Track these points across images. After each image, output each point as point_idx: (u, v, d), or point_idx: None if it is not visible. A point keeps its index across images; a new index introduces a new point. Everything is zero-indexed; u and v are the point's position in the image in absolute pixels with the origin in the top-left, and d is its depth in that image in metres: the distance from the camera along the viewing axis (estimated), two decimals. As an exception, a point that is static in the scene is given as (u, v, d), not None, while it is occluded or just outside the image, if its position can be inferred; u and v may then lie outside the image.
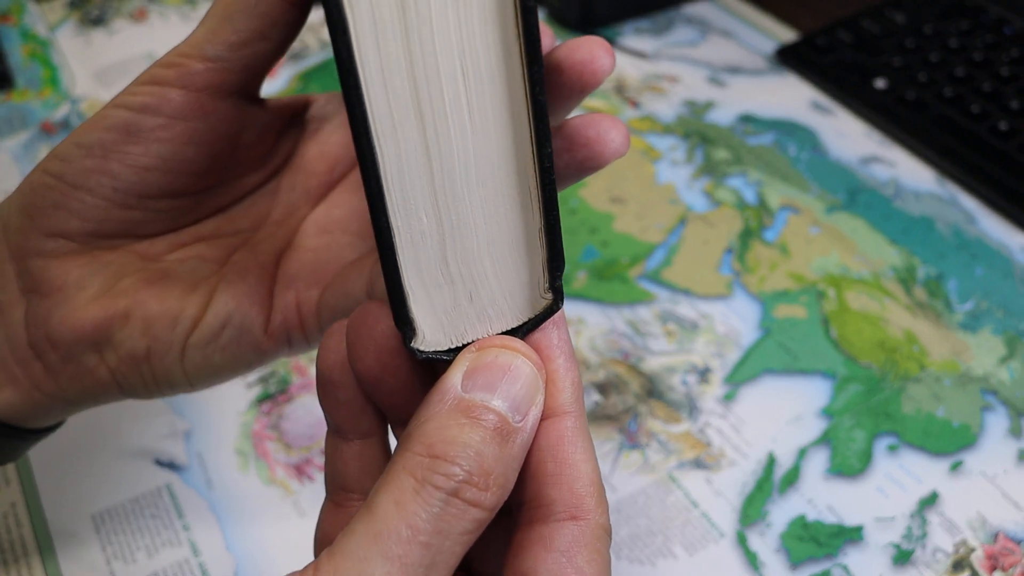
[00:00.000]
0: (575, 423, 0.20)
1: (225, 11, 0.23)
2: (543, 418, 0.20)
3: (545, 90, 0.18)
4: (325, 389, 0.22)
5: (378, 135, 0.18)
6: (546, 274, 0.20)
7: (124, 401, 0.38)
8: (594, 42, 0.22)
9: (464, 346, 0.20)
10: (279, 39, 0.24)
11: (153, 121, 0.23)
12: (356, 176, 0.28)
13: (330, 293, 0.26)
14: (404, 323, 0.20)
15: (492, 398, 0.19)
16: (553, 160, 0.19)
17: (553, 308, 0.20)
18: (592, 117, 0.23)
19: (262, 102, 0.26)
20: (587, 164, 0.23)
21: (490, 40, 0.18)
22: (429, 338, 0.20)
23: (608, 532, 0.19)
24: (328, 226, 0.27)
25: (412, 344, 0.20)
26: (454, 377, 0.19)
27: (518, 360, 0.19)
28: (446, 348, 0.20)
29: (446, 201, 0.19)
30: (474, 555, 0.22)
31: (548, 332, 0.20)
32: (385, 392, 0.21)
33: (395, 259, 0.19)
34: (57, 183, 0.24)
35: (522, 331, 0.20)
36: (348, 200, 0.28)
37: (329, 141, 0.28)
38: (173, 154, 0.24)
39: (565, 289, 0.24)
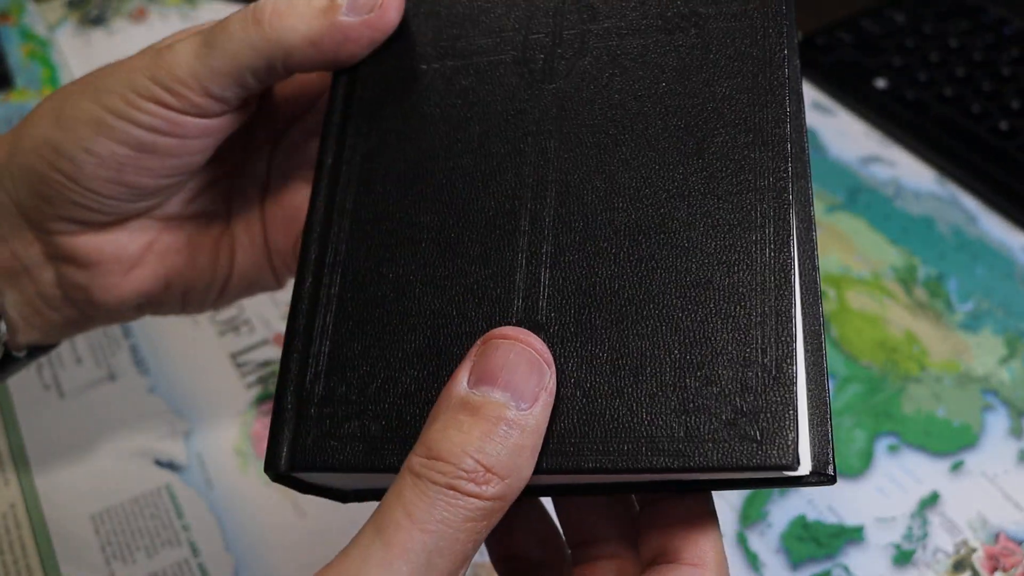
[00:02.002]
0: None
1: (236, 61, 0.25)
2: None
3: None
4: None
5: None
6: None
7: (124, 402, 0.38)
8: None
9: None
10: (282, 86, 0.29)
11: (165, 141, 0.25)
12: (309, 119, 0.30)
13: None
14: None
15: (493, 390, 0.19)
16: None
17: None
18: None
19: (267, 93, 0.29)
20: None
21: None
22: None
23: None
24: (293, 171, 0.30)
25: None
26: (460, 376, 0.20)
27: (517, 348, 0.19)
28: None
29: None
30: None
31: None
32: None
33: None
34: (71, 183, 0.25)
35: None
36: (302, 145, 0.30)
37: (285, 90, 0.30)
38: (185, 164, 0.26)
39: None
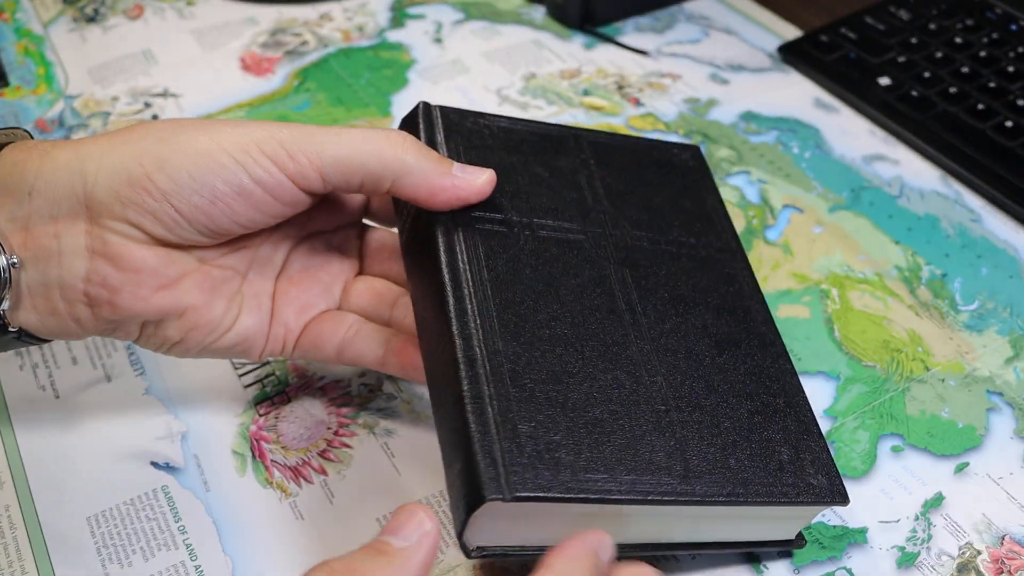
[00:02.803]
0: None
1: (363, 162, 0.29)
2: None
3: None
4: None
5: None
6: None
7: (120, 403, 0.38)
8: None
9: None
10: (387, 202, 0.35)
11: (261, 196, 0.29)
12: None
13: (305, 340, 0.34)
14: None
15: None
16: None
17: None
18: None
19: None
20: None
21: None
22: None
23: None
24: (310, 267, 0.34)
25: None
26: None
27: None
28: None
29: None
30: None
31: None
32: None
33: None
34: (162, 198, 0.28)
35: None
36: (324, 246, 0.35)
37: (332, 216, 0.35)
38: (262, 221, 0.30)
39: None
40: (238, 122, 0.29)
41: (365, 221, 0.36)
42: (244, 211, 0.29)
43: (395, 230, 0.35)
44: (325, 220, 0.34)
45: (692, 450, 0.29)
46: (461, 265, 0.30)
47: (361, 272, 0.35)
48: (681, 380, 0.30)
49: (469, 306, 0.29)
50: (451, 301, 0.29)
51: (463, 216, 0.31)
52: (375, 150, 0.29)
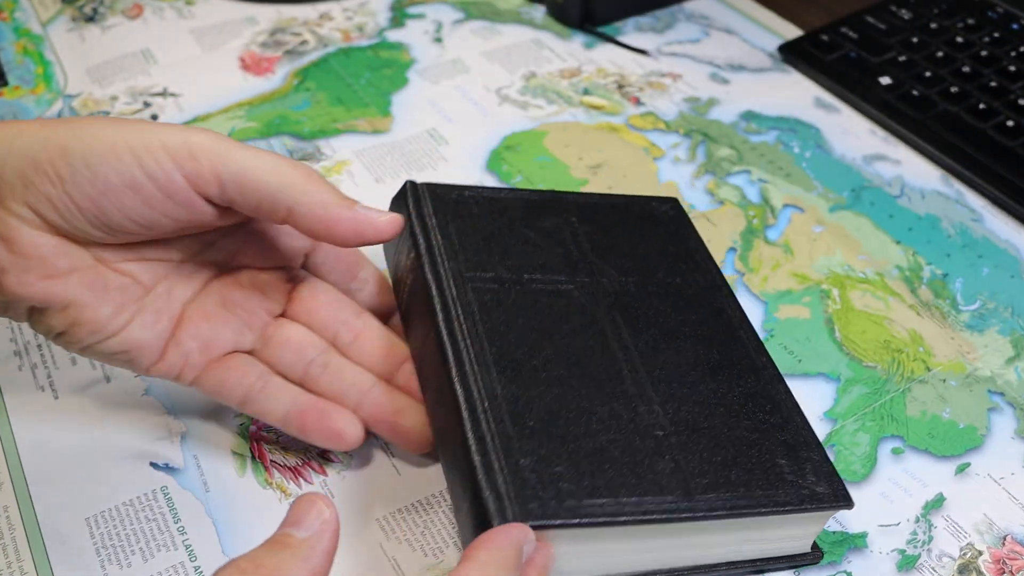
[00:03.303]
0: None
1: (265, 180, 0.29)
2: None
3: None
4: None
5: None
6: None
7: (119, 403, 0.38)
8: None
9: None
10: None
11: (152, 191, 0.28)
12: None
13: (209, 379, 0.33)
14: None
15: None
16: None
17: None
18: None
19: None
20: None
21: None
22: None
23: None
24: (227, 302, 0.33)
25: None
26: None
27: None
28: None
29: None
30: None
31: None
32: None
33: None
34: (59, 183, 0.28)
35: None
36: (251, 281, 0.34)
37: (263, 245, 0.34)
38: (152, 220, 0.29)
39: None
40: (159, 124, 0.29)
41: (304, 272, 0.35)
42: (134, 206, 0.28)
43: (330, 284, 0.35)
44: (256, 256, 0.34)
45: (693, 469, 0.29)
46: (456, 320, 0.31)
47: (284, 314, 0.34)
48: (677, 406, 0.31)
49: (467, 358, 0.30)
50: (450, 355, 0.30)
51: (456, 278, 0.33)
52: (277, 170, 0.29)
